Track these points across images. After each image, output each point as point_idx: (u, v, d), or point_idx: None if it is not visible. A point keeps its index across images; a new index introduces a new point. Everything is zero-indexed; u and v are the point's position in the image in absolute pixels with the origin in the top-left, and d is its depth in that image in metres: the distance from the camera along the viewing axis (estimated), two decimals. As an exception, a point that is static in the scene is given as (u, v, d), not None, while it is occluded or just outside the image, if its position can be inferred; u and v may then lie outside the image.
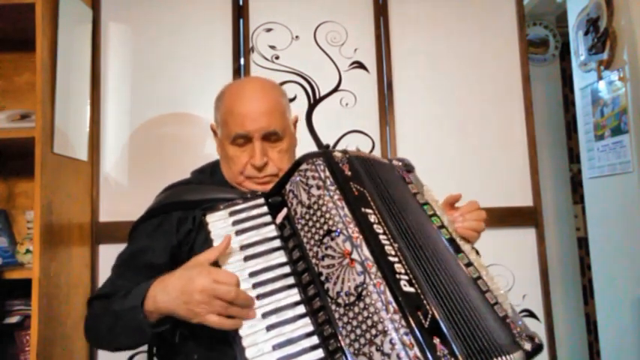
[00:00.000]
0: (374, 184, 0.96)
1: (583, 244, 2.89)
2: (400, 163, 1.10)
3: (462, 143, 1.88)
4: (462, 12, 1.94)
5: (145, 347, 1.47)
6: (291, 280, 0.89)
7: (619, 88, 2.08)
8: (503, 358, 0.80)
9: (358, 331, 0.79)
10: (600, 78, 2.20)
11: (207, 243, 0.93)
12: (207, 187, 1.12)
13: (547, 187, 2.87)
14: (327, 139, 1.85)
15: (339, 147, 1.85)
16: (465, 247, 0.98)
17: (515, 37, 1.94)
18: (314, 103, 1.87)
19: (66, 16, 1.57)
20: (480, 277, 0.92)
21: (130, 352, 1.68)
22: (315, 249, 0.88)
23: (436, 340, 0.75)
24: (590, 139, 2.31)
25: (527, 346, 0.83)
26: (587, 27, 2.22)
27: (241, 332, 0.83)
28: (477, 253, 1.04)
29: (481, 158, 1.88)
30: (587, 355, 2.84)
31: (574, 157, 2.98)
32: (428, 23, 1.93)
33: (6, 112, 1.54)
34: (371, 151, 1.85)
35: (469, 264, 0.94)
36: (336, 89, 1.88)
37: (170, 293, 0.87)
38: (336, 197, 0.90)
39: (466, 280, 0.91)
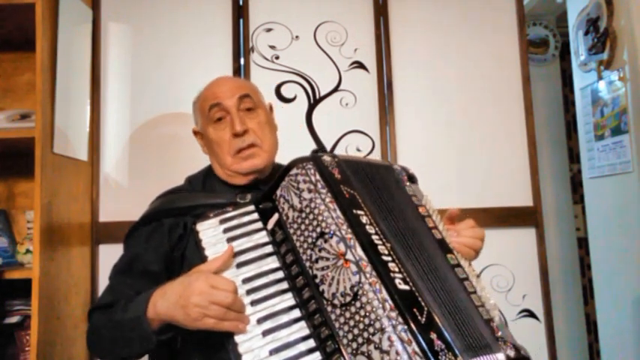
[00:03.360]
0: (364, 187, 0.96)
1: (583, 244, 2.89)
2: (400, 168, 1.11)
3: (462, 143, 1.88)
4: (462, 12, 1.94)
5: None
6: (284, 285, 0.90)
7: (619, 88, 2.08)
8: (492, 356, 0.80)
9: (355, 331, 0.79)
10: (600, 78, 2.20)
11: (199, 251, 0.94)
12: (198, 194, 1.14)
13: (547, 187, 2.87)
14: (327, 139, 1.85)
15: (339, 147, 1.85)
16: (458, 255, 0.98)
17: (515, 37, 1.94)
18: (314, 103, 1.87)
19: (66, 16, 1.57)
20: (467, 279, 0.92)
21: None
22: (308, 252, 0.88)
23: (433, 336, 0.76)
24: (590, 139, 2.31)
25: (511, 353, 0.82)
26: (587, 27, 2.22)
27: (237, 339, 0.83)
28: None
29: (481, 158, 1.88)
30: (587, 355, 2.84)
31: (574, 157, 2.98)
32: (428, 23, 1.93)
33: (6, 112, 1.55)
34: (371, 151, 1.86)
35: (458, 265, 0.94)
36: (336, 89, 1.88)
37: (169, 299, 0.88)
38: (327, 200, 0.90)
39: (453, 280, 0.91)
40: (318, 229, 0.88)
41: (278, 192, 0.96)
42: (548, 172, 2.92)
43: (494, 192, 1.86)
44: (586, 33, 2.24)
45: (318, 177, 0.93)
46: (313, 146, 1.84)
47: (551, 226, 2.84)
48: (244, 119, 1.11)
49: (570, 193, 2.96)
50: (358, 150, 1.85)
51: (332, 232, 0.87)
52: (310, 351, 0.83)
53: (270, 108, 1.24)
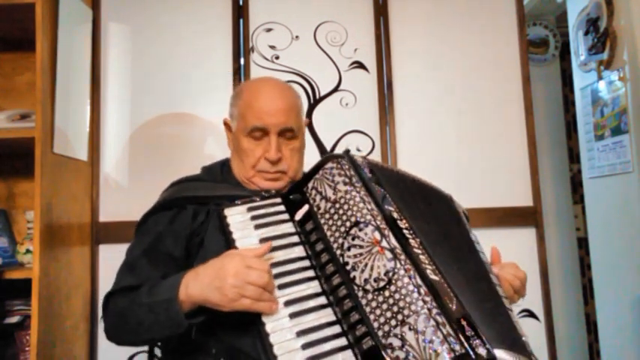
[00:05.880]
0: (393, 188, 1.00)
1: (583, 244, 2.89)
2: (458, 203, 1.17)
3: (462, 143, 1.88)
4: (461, 12, 1.94)
5: (145, 347, 1.48)
6: (311, 273, 0.93)
7: (619, 88, 2.08)
8: (517, 354, 0.82)
9: (388, 314, 0.81)
10: (600, 78, 2.20)
11: (225, 235, 0.95)
12: (221, 185, 1.15)
13: (547, 187, 2.87)
14: (327, 139, 1.85)
15: (339, 147, 1.85)
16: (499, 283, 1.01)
17: (515, 37, 1.94)
18: (314, 103, 1.87)
19: (66, 16, 1.57)
20: (506, 297, 0.97)
21: (130, 352, 1.68)
22: (340, 240, 0.91)
23: (463, 323, 0.79)
24: (590, 139, 2.31)
25: None
26: (587, 27, 2.22)
27: (264, 319, 0.85)
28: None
29: (481, 158, 1.88)
30: (587, 355, 2.84)
31: (574, 157, 2.98)
32: (428, 23, 1.93)
33: (6, 112, 1.54)
34: (371, 151, 1.85)
35: (499, 285, 0.99)
36: (336, 89, 1.88)
37: (202, 280, 0.89)
38: (362, 193, 0.95)
39: (490, 288, 0.95)
40: (353, 219, 0.92)
41: (310, 184, 1.00)
42: (548, 172, 2.92)
43: (494, 192, 1.86)
44: (586, 33, 2.24)
45: (352, 172, 0.98)
46: (313, 146, 1.84)
47: (551, 226, 2.84)
48: (280, 146, 1.11)
49: (570, 193, 2.96)
50: (358, 150, 1.85)
51: (367, 221, 0.91)
52: (337, 336, 0.85)
53: (307, 125, 1.25)
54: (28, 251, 1.53)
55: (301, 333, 0.84)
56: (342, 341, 0.84)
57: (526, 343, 0.88)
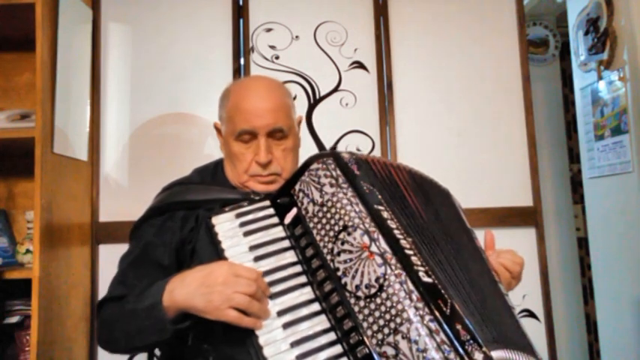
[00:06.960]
0: (384, 184, 0.97)
1: (583, 244, 2.89)
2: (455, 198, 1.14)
3: (462, 143, 1.88)
4: (462, 12, 1.94)
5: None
6: (303, 279, 0.90)
7: (619, 88, 2.08)
8: (519, 353, 0.81)
9: (381, 322, 0.80)
10: (600, 78, 2.20)
11: (214, 245, 0.93)
12: (211, 188, 1.12)
13: (547, 187, 2.87)
14: (327, 139, 1.85)
15: (339, 147, 1.85)
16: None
17: (515, 37, 1.94)
18: (314, 103, 1.87)
19: (66, 16, 1.57)
20: (507, 295, 0.95)
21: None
22: (329, 245, 0.89)
23: (458, 327, 0.77)
24: (590, 139, 2.31)
25: None
26: (587, 27, 2.22)
27: (257, 331, 0.83)
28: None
29: (481, 158, 1.88)
30: (587, 355, 2.84)
31: (574, 157, 2.98)
32: (428, 23, 1.93)
33: (6, 112, 1.54)
34: (371, 151, 1.86)
35: (500, 282, 0.98)
36: (336, 89, 1.88)
37: (189, 285, 0.87)
38: (349, 194, 0.91)
39: (491, 287, 0.93)
40: (341, 223, 0.89)
41: (297, 187, 0.96)
42: (548, 172, 2.92)
43: (495, 192, 1.86)
44: (586, 33, 2.24)
45: (339, 172, 0.94)
46: (313, 146, 1.84)
47: (551, 226, 2.84)
48: (271, 147, 1.07)
49: (570, 193, 2.96)
50: (358, 150, 1.85)
51: (356, 225, 0.88)
52: (332, 343, 0.83)
53: (299, 122, 1.20)
54: (28, 251, 1.53)
55: (295, 343, 0.82)
56: (337, 349, 0.82)
57: (531, 342, 0.87)
